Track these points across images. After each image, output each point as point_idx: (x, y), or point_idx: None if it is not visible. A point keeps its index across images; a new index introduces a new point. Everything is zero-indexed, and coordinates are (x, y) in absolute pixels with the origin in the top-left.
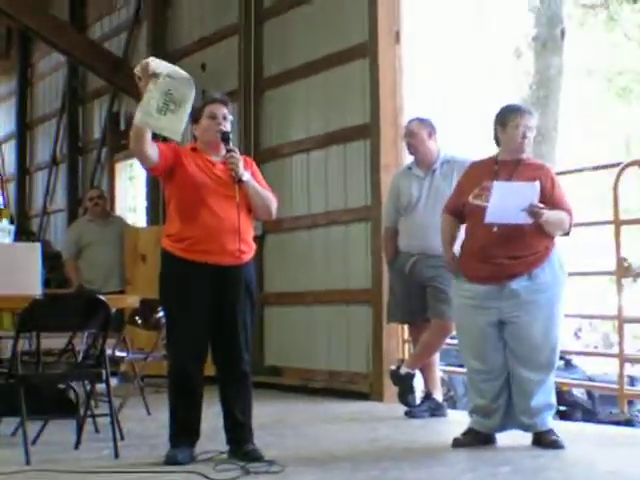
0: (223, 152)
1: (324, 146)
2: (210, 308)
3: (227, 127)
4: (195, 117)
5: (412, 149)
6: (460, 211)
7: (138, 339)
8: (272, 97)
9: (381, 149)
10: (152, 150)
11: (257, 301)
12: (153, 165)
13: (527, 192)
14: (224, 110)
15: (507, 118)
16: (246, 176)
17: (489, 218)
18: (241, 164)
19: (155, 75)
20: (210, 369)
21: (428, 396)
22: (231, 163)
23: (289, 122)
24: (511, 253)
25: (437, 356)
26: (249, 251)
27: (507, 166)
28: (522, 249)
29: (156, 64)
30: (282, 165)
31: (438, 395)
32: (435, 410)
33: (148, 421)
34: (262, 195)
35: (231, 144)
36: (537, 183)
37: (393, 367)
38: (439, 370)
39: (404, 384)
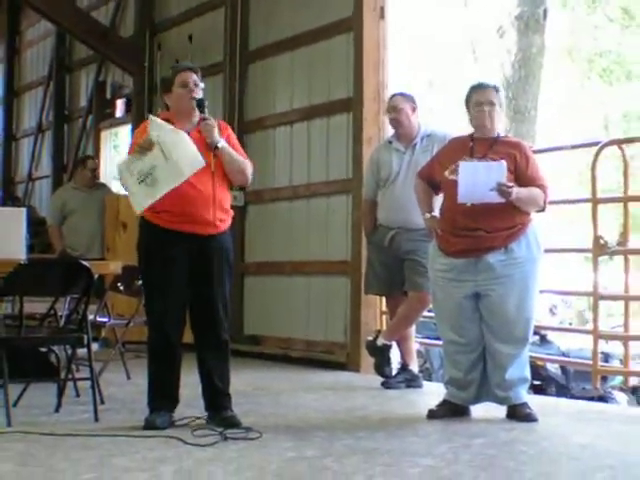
0: (196, 119)
1: (307, 119)
2: (188, 276)
3: (199, 94)
4: (166, 86)
5: (395, 123)
6: (433, 180)
7: (119, 305)
8: (257, 69)
9: (364, 123)
10: None
11: (235, 269)
12: None
13: (494, 171)
14: (194, 77)
15: (469, 96)
16: (221, 142)
17: (461, 198)
18: (216, 131)
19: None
20: (190, 336)
21: (404, 367)
22: (206, 130)
23: (273, 94)
24: (487, 226)
25: (413, 328)
26: (226, 219)
27: (482, 143)
28: (498, 223)
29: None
30: (265, 137)
31: (414, 367)
32: (411, 381)
33: (128, 386)
34: (237, 160)
35: (206, 111)
36: (503, 162)
37: (370, 338)
38: (415, 342)
39: (380, 355)
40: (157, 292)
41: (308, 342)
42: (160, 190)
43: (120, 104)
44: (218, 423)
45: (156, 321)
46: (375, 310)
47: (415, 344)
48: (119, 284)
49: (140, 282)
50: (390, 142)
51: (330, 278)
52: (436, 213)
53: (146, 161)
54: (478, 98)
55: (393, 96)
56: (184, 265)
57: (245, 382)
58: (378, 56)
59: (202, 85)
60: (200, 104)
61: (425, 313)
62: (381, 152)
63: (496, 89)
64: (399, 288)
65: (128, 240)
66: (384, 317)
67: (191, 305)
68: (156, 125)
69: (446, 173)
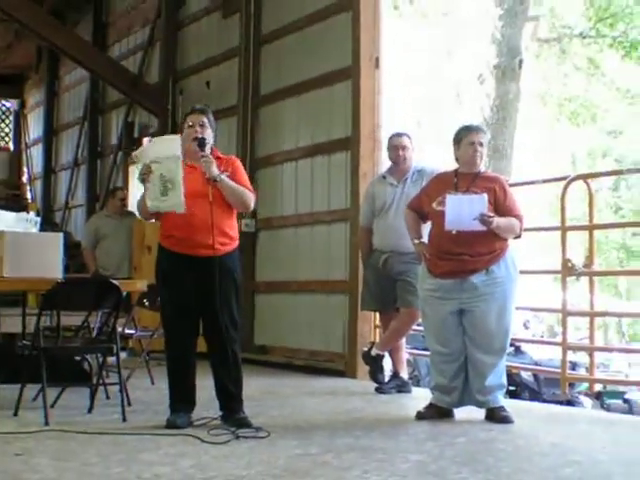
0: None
1: (311, 156)
2: (195, 292)
3: (205, 134)
4: (180, 128)
5: (401, 160)
6: (421, 211)
7: (145, 319)
8: (267, 112)
9: (360, 159)
10: (153, 216)
11: (246, 288)
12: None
13: (477, 203)
14: (202, 118)
15: (461, 136)
16: (220, 177)
17: (448, 226)
18: (214, 166)
19: (145, 164)
20: (201, 346)
21: (395, 375)
22: (205, 167)
23: (281, 134)
24: (471, 251)
25: (404, 340)
26: (229, 243)
27: (465, 178)
28: (480, 248)
29: (140, 154)
30: (274, 172)
31: (404, 374)
32: (401, 387)
33: (152, 390)
34: (236, 191)
35: (207, 149)
36: (485, 195)
37: (365, 349)
38: (406, 352)
39: (374, 364)
40: (170, 308)
41: (311, 352)
42: (179, 180)
43: (146, 142)
44: (231, 423)
45: (171, 334)
46: (370, 324)
47: (405, 354)
48: (145, 300)
49: None
50: (384, 177)
51: (331, 296)
52: (424, 239)
53: (156, 182)
54: (472, 138)
55: (400, 135)
56: (191, 283)
57: (255, 387)
58: (373, 100)
59: (211, 126)
60: (200, 143)
61: (414, 327)
62: (376, 185)
63: (484, 132)
64: (391, 305)
65: (152, 261)
66: (377, 330)
67: (202, 318)
68: (152, 150)
69: (434, 204)
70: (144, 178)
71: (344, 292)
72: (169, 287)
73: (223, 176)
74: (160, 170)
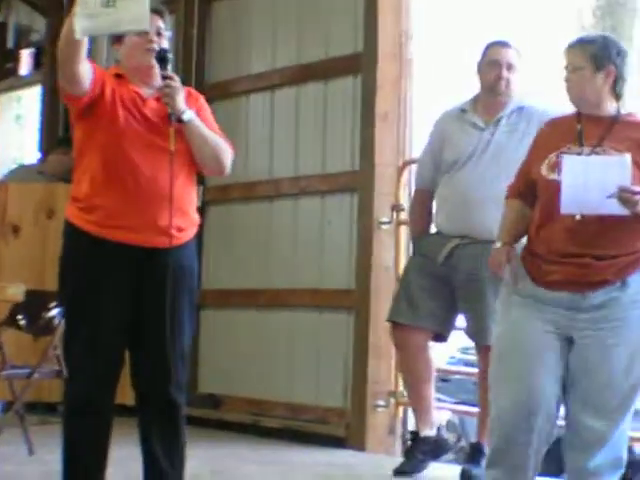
0: (158, 81)
1: (296, 83)
2: (129, 306)
3: (163, 45)
4: (114, 39)
5: (500, 85)
6: (532, 192)
7: (19, 348)
8: (224, 9)
9: (378, 90)
10: (85, 69)
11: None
12: (81, 92)
13: (614, 169)
14: (158, 22)
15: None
16: (188, 114)
17: (564, 209)
18: (181, 96)
19: None
20: (126, 395)
21: (420, 438)
22: (167, 95)
23: (247, 47)
24: (599, 251)
25: (432, 384)
26: (188, 227)
27: (597, 124)
28: (614, 246)
29: None
30: (235, 108)
31: (428, 430)
32: (436, 450)
33: (31, 464)
34: (210, 141)
35: (169, 68)
36: (628, 156)
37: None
38: (444, 409)
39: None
40: (81, 327)
41: (291, 407)
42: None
43: (26, 56)
44: None
45: (77, 369)
46: (389, 361)
47: (445, 412)
48: (19, 317)
49: (51, 314)
50: (464, 111)
51: (325, 314)
52: (516, 245)
53: None
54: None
55: (504, 45)
56: (123, 290)
57: (199, 462)
58: None
59: (169, 34)
60: (162, 58)
61: (460, 368)
62: (449, 123)
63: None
64: (447, 326)
65: (21, 250)
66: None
67: (131, 348)
68: None
69: (542, 169)
70: None
71: (346, 309)
72: (83, 294)
73: (193, 114)
74: None
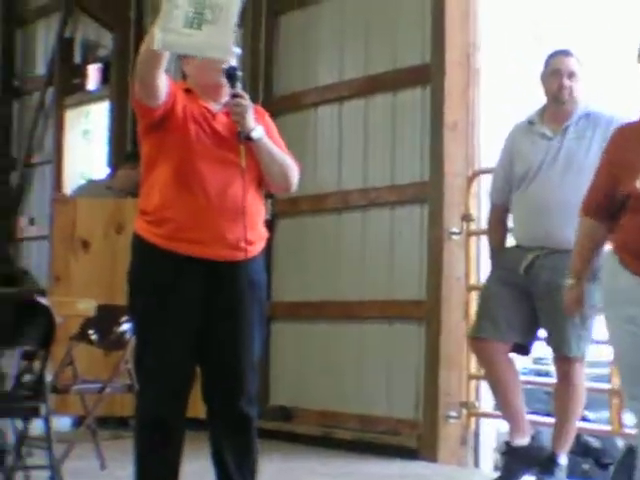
0: (226, 97)
1: (364, 94)
2: (199, 320)
3: (232, 62)
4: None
5: (564, 94)
6: (610, 207)
7: (90, 362)
8: (291, 22)
9: (446, 100)
10: (163, 83)
11: (267, 311)
12: (156, 104)
13: None
14: None
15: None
16: (257, 132)
17: None
18: (250, 114)
19: None
20: (197, 409)
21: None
22: (236, 113)
23: (315, 59)
24: None
25: (519, 389)
26: (258, 240)
27: None
28: None
29: None
30: (303, 120)
31: (521, 439)
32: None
33: (103, 479)
34: (278, 158)
35: (239, 86)
36: None
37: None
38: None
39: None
40: (152, 341)
41: (362, 418)
42: (231, 10)
43: (94, 72)
44: None
45: (148, 384)
46: (460, 371)
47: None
48: (90, 332)
49: (122, 329)
50: (532, 122)
51: (395, 325)
52: (585, 282)
53: (181, 2)
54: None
55: (566, 54)
56: (193, 304)
57: (271, 475)
58: (467, 2)
59: (238, 50)
60: (231, 76)
61: (528, 377)
62: (518, 137)
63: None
64: (528, 338)
65: (91, 265)
66: (472, 383)
67: (202, 362)
68: None
69: (638, 183)
70: None
71: (418, 320)
72: (154, 309)
73: (262, 131)
74: None
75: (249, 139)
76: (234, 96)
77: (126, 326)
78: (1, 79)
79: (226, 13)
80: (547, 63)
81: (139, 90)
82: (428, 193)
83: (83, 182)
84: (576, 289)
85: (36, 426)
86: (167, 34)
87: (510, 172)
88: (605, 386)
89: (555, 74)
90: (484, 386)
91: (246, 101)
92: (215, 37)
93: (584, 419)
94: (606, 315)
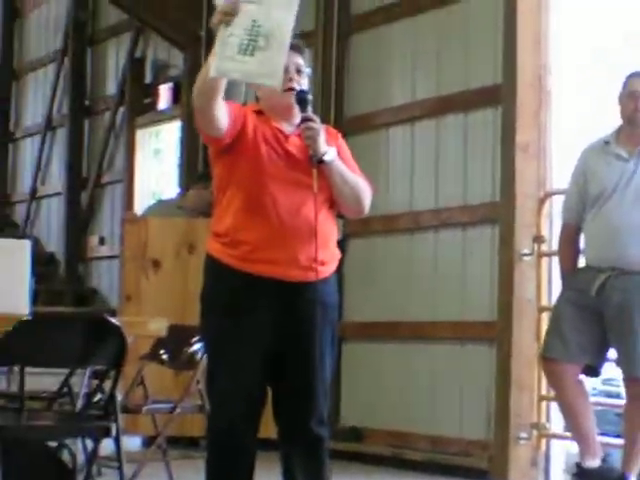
0: (297, 120)
1: (436, 115)
2: (271, 341)
3: (303, 84)
4: None
5: (637, 119)
6: None
7: (161, 382)
8: (363, 42)
9: (518, 120)
10: (222, 112)
11: (338, 332)
12: (220, 134)
13: None
14: (298, 59)
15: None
16: (330, 155)
17: None
18: (322, 138)
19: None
20: (269, 429)
21: (584, 470)
22: (308, 137)
23: (387, 79)
24: None
25: (590, 410)
26: (330, 261)
27: None
28: None
29: None
30: (375, 140)
31: (591, 461)
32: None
33: None
34: (350, 181)
35: (309, 109)
36: None
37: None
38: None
39: None
40: (225, 362)
41: (433, 439)
42: (283, 38)
43: (165, 91)
44: None
45: (220, 404)
46: (531, 393)
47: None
48: (161, 351)
49: (193, 349)
50: (607, 143)
51: (467, 347)
52: None
53: (237, 31)
54: (634, 86)
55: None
56: (265, 325)
57: None
58: (538, 26)
59: (309, 71)
60: (302, 99)
61: (598, 398)
62: (593, 157)
63: None
64: (599, 360)
65: (162, 284)
66: (543, 404)
67: (274, 383)
68: None
69: None
70: (221, 19)
71: (489, 341)
72: (226, 329)
73: (334, 154)
74: (254, 15)
75: (321, 162)
76: (305, 120)
77: (197, 346)
78: (72, 99)
79: (279, 41)
80: (625, 84)
81: (199, 121)
82: (499, 214)
83: (153, 202)
84: None
85: (106, 446)
86: (223, 61)
87: (584, 192)
88: None
89: (631, 96)
90: (554, 407)
91: (317, 124)
92: (267, 64)
93: None
94: None
